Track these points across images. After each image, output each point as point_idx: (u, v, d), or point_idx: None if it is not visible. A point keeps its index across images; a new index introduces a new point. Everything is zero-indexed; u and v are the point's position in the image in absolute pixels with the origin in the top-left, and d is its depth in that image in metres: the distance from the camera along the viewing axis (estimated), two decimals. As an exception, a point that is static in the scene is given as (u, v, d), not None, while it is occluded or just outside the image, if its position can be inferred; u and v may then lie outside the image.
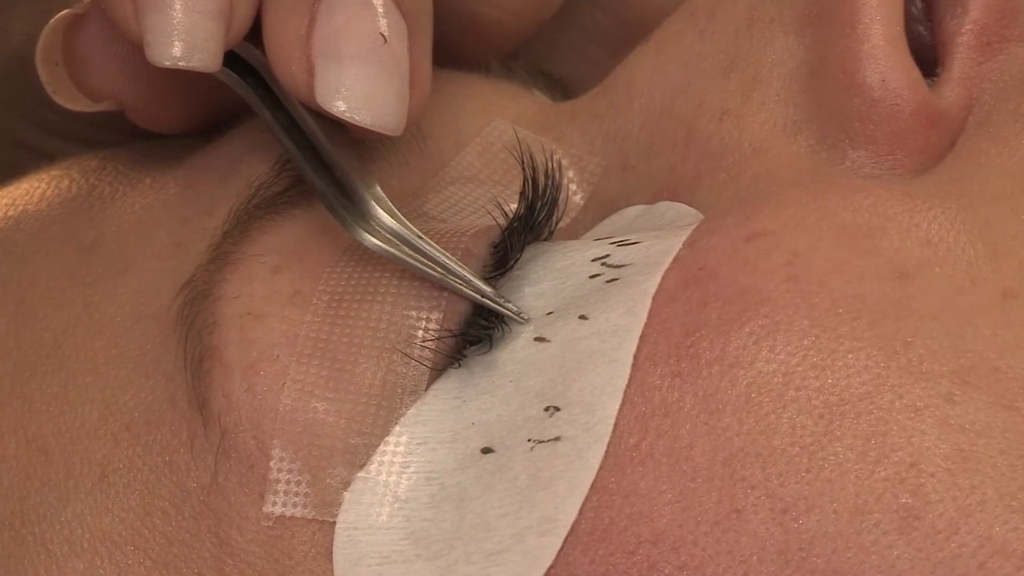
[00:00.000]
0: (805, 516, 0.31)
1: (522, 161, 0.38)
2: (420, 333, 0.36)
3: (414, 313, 0.36)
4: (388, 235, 0.37)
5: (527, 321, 0.36)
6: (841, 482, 0.31)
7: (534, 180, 0.38)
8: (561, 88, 0.45)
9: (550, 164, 0.38)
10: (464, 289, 0.36)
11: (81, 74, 0.40)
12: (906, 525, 0.31)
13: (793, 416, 0.32)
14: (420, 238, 0.37)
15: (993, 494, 0.31)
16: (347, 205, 0.37)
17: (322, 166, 0.38)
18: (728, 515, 0.32)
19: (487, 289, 0.36)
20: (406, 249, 0.37)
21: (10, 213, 0.42)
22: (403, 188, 0.40)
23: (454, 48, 0.40)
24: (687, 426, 0.33)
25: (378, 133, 0.37)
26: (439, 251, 0.37)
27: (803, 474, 0.32)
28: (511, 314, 0.36)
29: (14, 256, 0.41)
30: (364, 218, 0.37)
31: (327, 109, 0.36)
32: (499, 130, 0.40)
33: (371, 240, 0.37)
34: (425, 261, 0.36)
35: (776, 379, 0.32)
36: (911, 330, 0.33)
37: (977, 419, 0.32)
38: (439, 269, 0.36)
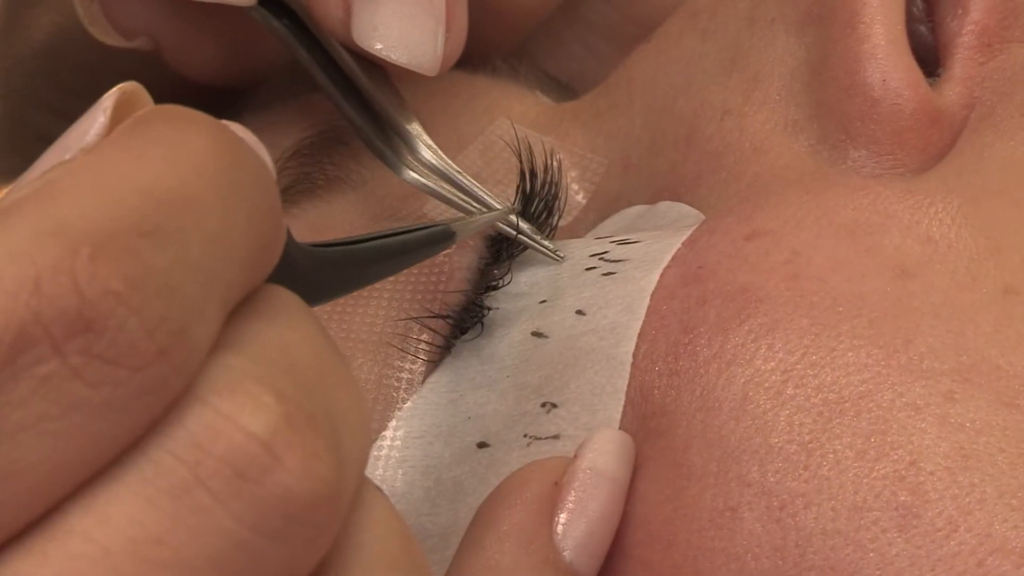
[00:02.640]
0: (803, 513, 0.31)
1: (519, 154, 0.38)
2: (416, 327, 0.36)
3: (408, 307, 0.36)
4: (427, 170, 0.38)
5: (562, 259, 0.37)
6: (839, 479, 0.31)
7: (532, 172, 0.38)
8: (566, 91, 0.45)
9: (549, 160, 0.38)
10: (500, 225, 0.37)
11: (117, 11, 0.40)
12: (905, 523, 0.31)
13: (791, 414, 0.32)
14: (459, 174, 0.38)
15: (993, 492, 0.30)
16: (386, 141, 0.38)
17: (360, 104, 0.39)
18: (722, 513, 0.32)
19: (524, 226, 0.37)
20: (445, 184, 0.38)
21: None
22: (405, 187, 0.40)
23: (471, 29, 0.40)
24: (684, 425, 0.33)
25: (415, 73, 0.37)
26: (477, 187, 0.37)
27: (801, 471, 0.31)
28: (546, 251, 0.37)
29: None
30: (404, 153, 0.38)
31: (364, 48, 0.37)
32: (501, 129, 0.40)
33: (411, 175, 0.38)
34: (463, 196, 0.37)
35: (774, 377, 0.32)
36: (912, 328, 0.32)
37: (977, 417, 0.31)
38: (476, 205, 0.37)
